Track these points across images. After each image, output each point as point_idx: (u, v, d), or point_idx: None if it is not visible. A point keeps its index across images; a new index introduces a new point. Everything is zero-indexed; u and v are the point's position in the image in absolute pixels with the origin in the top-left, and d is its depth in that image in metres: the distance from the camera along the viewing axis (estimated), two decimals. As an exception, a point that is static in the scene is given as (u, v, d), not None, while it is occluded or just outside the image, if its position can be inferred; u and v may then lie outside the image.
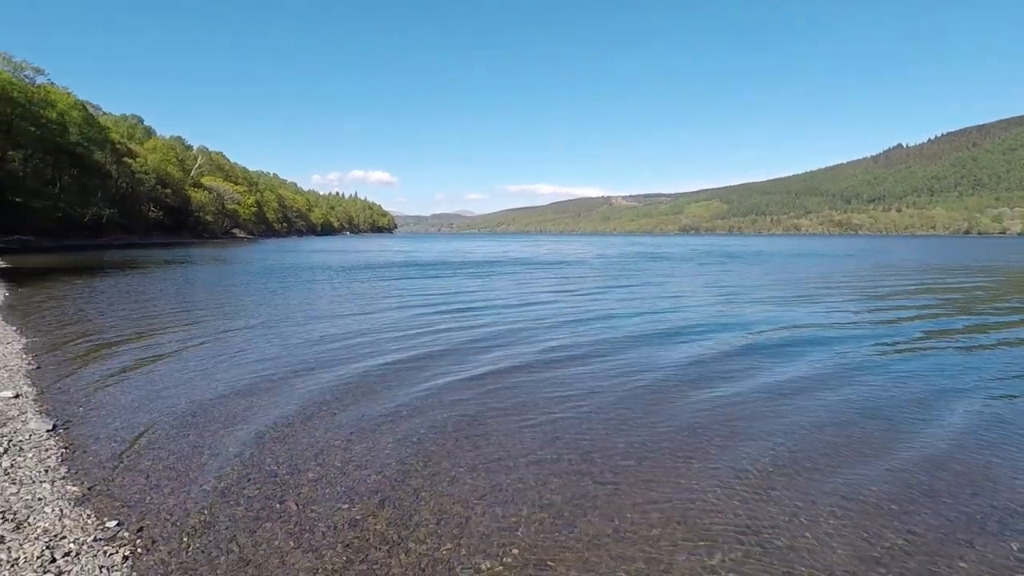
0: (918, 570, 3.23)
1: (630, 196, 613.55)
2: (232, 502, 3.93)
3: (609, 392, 6.63)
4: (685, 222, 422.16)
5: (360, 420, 5.62)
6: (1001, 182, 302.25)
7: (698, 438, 5.24)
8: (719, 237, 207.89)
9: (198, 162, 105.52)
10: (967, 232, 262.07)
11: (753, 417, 5.79)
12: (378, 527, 3.65)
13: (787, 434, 5.32)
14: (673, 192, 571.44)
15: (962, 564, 3.30)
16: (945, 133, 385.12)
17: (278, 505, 3.90)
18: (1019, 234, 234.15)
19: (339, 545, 3.43)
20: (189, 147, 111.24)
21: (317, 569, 3.18)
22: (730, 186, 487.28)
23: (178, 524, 3.62)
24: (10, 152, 51.38)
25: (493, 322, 11.69)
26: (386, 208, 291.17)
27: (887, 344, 9.51)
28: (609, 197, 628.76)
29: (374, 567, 3.23)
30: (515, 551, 3.41)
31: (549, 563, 3.30)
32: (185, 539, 3.44)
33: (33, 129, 53.37)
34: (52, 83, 63.49)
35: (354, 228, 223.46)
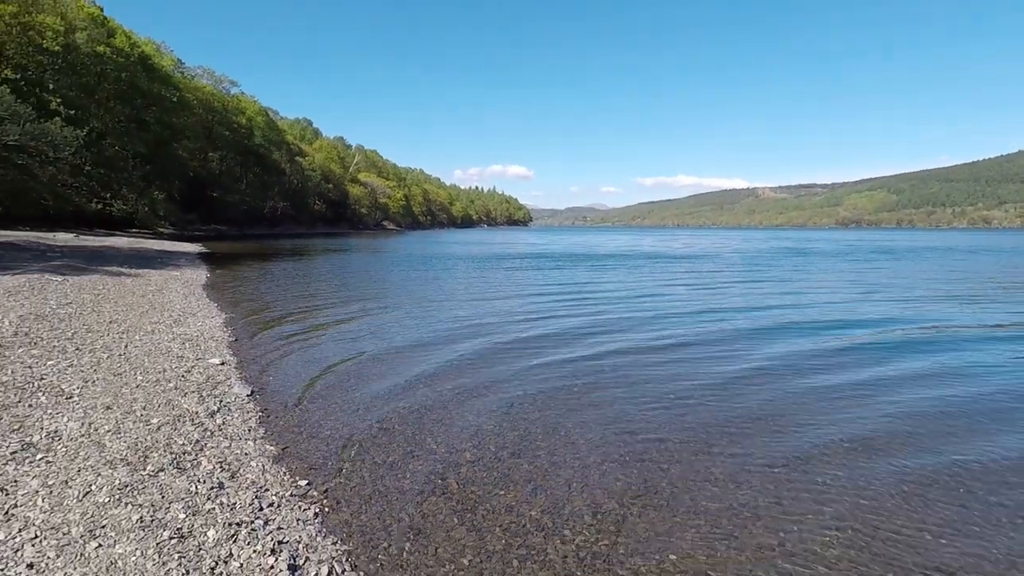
0: None
1: (779, 187, 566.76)
2: (400, 475, 4.26)
3: (769, 394, 6.21)
4: (843, 215, 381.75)
5: (511, 407, 5.81)
6: None
7: (857, 444, 4.72)
8: (884, 231, 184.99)
9: (355, 160, 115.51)
10: None
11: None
12: (533, 514, 3.76)
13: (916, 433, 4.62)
14: (829, 182, 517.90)
15: None
16: None
17: (440, 482, 4.16)
18: None
19: (498, 528, 3.58)
20: (348, 146, 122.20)
21: (480, 548, 3.35)
22: (900, 174, 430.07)
23: (355, 490, 4.00)
24: (211, 154, 59.93)
25: (648, 316, 11.47)
26: (522, 201, 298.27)
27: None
28: (755, 188, 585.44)
29: (532, 552, 3.33)
30: (672, 557, 3.33)
31: (709, 574, 3.18)
32: (363, 504, 3.80)
33: (227, 134, 61.91)
34: (243, 92, 72.91)
35: (491, 221, 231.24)
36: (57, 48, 32.23)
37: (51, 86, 32.39)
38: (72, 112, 30.15)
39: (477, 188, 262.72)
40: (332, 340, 8.91)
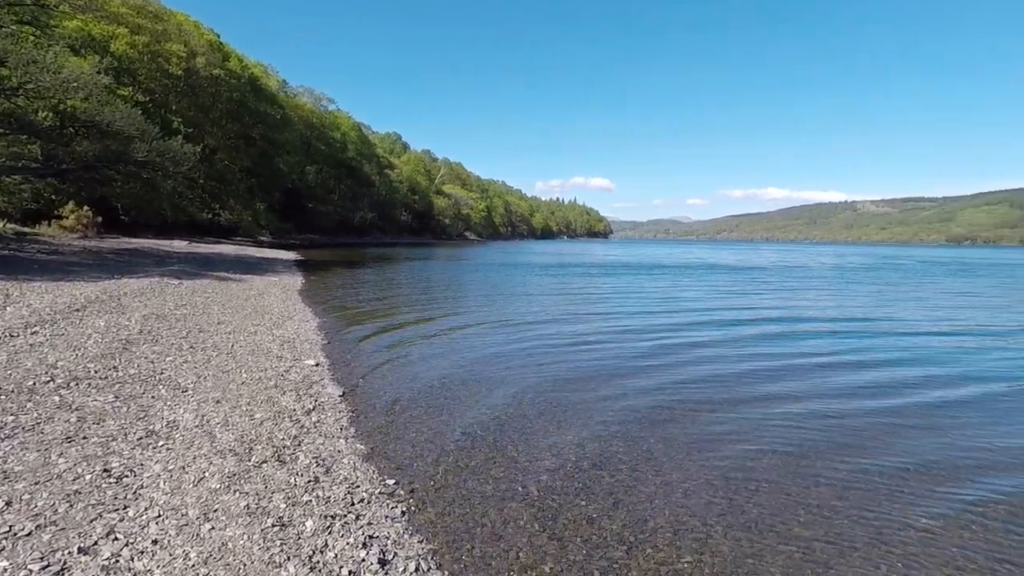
0: None
1: (882, 200, 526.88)
2: (482, 480, 4.35)
3: (867, 419, 5.81)
4: (956, 231, 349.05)
5: (590, 419, 5.78)
6: None
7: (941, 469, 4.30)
8: (1005, 250, 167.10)
9: (440, 172, 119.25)
10: None
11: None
12: (614, 527, 3.72)
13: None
14: (940, 195, 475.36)
15: None
16: None
17: (520, 489, 4.21)
18: None
19: (579, 539, 3.57)
20: (435, 159, 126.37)
21: (561, 557, 3.36)
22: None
23: (440, 492, 4.13)
24: (307, 167, 63.86)
25: (721, 333, 11.07)
26: (604, 213, 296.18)
27: None
28: (854, 202, 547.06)
29: (614, 565, 3.30)
30: (761, 582, 3.19)
31: (803, 603, 3.02)
32: (447, 506, 3.92)
33: (323, 148, 65.85)
34: (339, 109, 77.39)
35: (571, 233, 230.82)
36: (180, 72, 35.64)
37: (174, 107, 35.88)
38: (190, 130, 33.17)
39: (558, 200, 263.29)
40: (418, 347, 9.23)
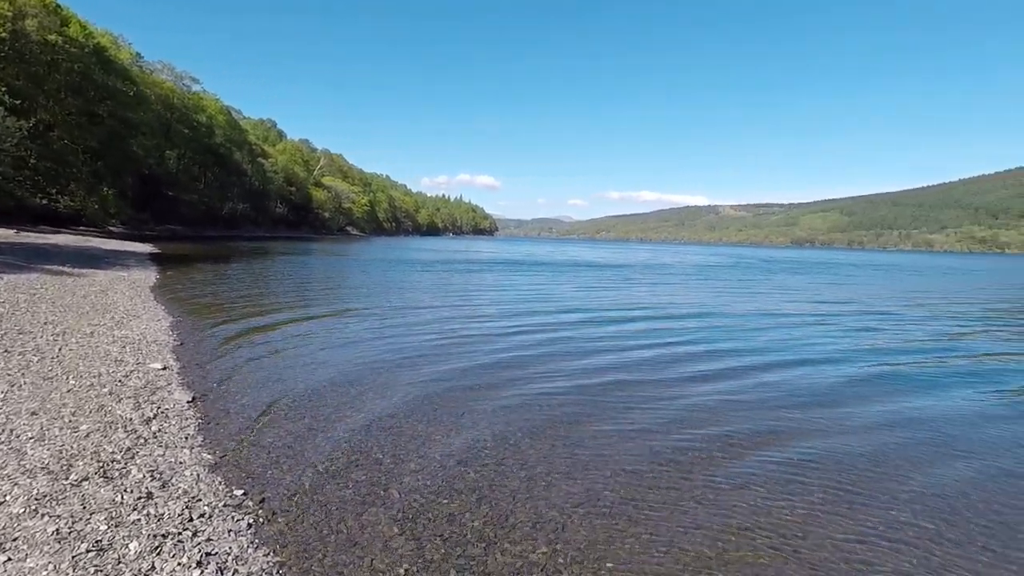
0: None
1: (739, 205, 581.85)
2: (341, 484, 4.17)
3: (716, 408, 6.33)
4: (799, 234, 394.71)
5: (461, 417, 5.77)
6: None
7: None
8: (835, 251, 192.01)
9: (320, 163, 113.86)
10: None
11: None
12: (475, 524, 3.72)
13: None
14: (786, 202, 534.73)
15: None
16: None
17: (382, 492, 4.09)
18: None
19: (438, 538, 3.53)
20: (314, 149, 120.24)
21: (418, 558, 3.30)
22: (853, 197, 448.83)
23: (294, 500, 3.89)
24: (167, 152, 58.09)
25: (595, 331, 11.58)
26: (489, 211, 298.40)
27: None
28: (716, 206, 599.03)
29: (471, 562, 3.30)
30: (609, 564, 3.34)
31: (646, 582, 3.20)
32: (300, 515, 3.70)
33: (186, 131, 60.19)
34: (205, 90, 71.10)
35: (457, 230, 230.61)
36: (3, 35, 30.82)
37: (-5, 75, 30.94)
38: (18, 102, 28.80)
39: (444, 196, 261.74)
40: (284, 348, 8.69)
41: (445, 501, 4.00)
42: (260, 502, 3.82)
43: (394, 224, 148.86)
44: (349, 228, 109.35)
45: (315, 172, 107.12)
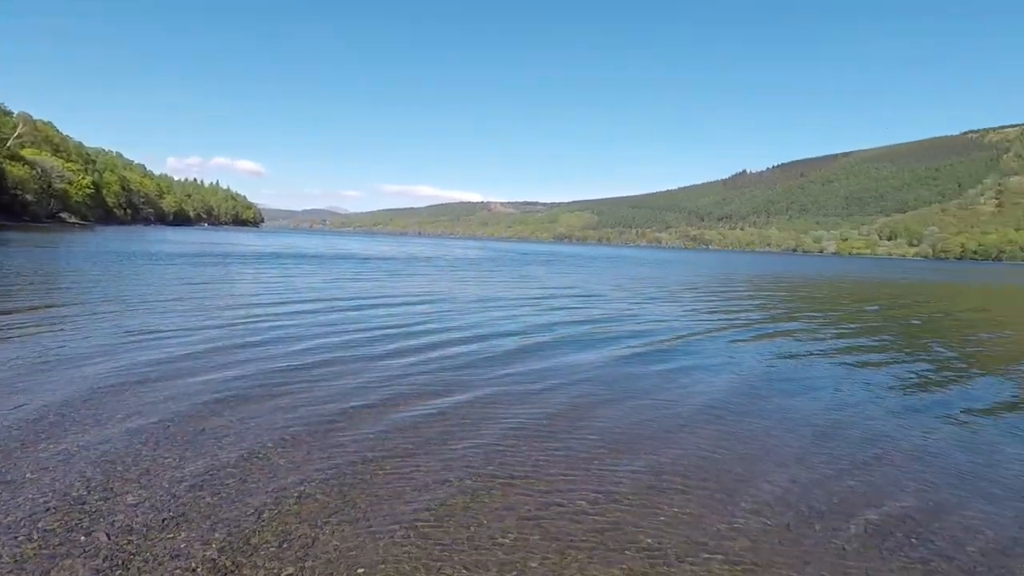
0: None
1: (508, 203, 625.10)
2: (25, 537, 3.33)
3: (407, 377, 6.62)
4: (559, 230, 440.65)
5: (200, 432, 5.07)
6: (820, 208, 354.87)
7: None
8: (587, 246, 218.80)
9: (18, 130, 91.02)
10: (795, 250, 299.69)
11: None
12: (208, 553, 3.29)
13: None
14: (549, 201, 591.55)
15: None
16: (779, 164, 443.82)
17: (83, 538, 3.37)
18: (833, 253, 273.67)
19: (157, 580, 3.03)
20: (8, 112, 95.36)
21: (125, 611, 2.78)
22: (602, 199, 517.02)
23: (-56, 569, 2.99)
24: None
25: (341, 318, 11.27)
26: (253, 200, 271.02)
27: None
28: (488, 203, 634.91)
29: (198, 602, 2.90)
30: (360, 571, 3.23)
31: (398, 581, 3.17)
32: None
33: None
34: None
35: (214, 220, 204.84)
36: None
37: None
38: None
39: (197, 180, 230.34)
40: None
41: (171, 536, 3.45)
42: None
43: (129, 211, 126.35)
44: (64, 214, 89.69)
45: (10, 142, 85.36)
